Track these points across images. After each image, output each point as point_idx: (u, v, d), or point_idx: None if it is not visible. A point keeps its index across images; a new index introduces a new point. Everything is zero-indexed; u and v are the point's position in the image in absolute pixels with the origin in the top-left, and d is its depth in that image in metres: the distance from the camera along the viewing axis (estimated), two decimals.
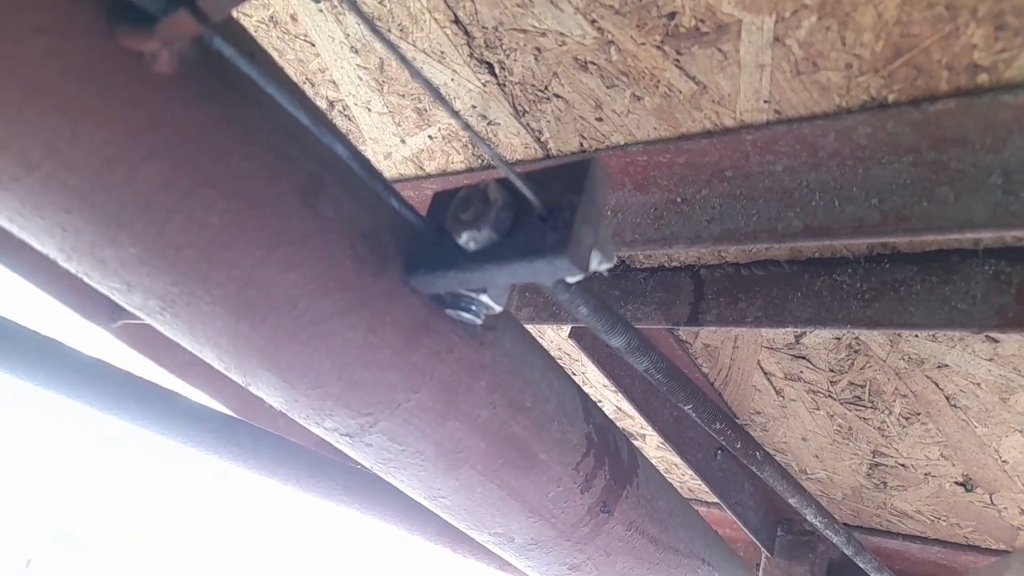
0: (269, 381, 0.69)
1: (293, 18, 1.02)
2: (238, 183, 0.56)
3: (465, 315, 0.70)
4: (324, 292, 0.64)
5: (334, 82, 1.11)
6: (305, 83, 1.14)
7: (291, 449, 1.46)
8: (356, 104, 1.13)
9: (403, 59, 0.49)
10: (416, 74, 0.49)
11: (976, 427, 1.33)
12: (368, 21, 0.49)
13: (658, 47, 0.81)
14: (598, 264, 0.62)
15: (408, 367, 0.71)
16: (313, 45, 1.05)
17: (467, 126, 0.54)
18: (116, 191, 0.52)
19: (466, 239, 0.62)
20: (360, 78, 1.07)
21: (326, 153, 0.63)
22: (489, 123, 1.03)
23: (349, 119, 1.18)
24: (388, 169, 1.21)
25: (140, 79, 0.50)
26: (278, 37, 1.05)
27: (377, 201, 0.67)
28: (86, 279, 0.59)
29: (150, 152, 0.51)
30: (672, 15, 0.77)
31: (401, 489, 0.89)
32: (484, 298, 0.69)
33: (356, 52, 1.02)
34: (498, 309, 0.71)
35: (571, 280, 0.68)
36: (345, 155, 0.60)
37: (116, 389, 1.28)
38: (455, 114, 0.53)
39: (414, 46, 0.96)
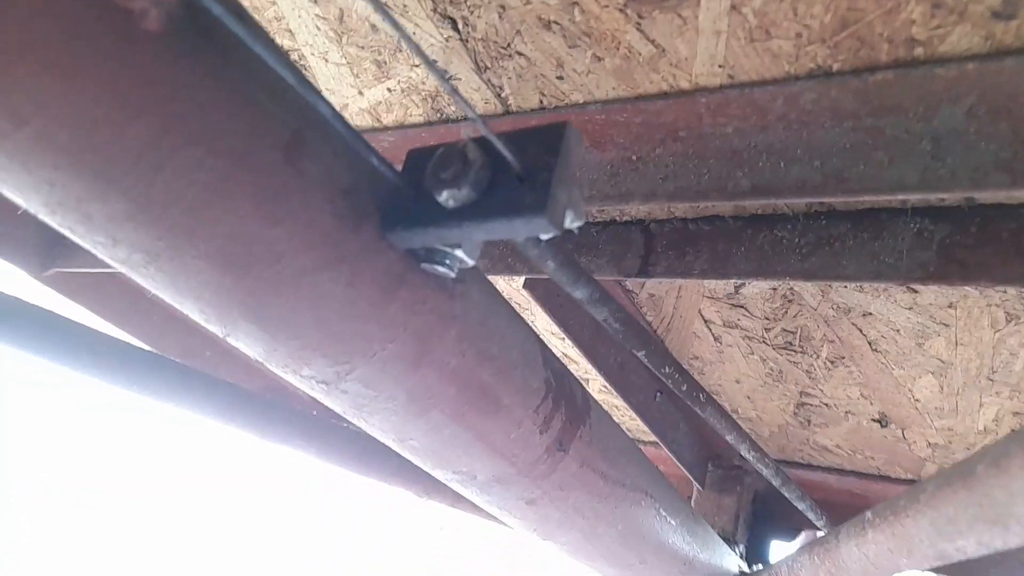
0: (250, 332, 0.71)
1: None
2: (224, 141, 0.57)
3: (440, 269, 0.73)
4: (306, 247, 0.66)
5: (290, 31, 1.10)
6: (259, 23, 1.12)
7: (247, 396, 1.48)
8: (313, 54, 1.12)
9: (395, 23, 0.51)
10: (407, 39, 0.51)
11: (894, 369, 1.45)
12: None
13: (621, 10, 0.84)
14: (571, 222, 0.66)
15: (384, 318, 0.74)
16: None
17: (454, 90, 0.56)
18: (105, 148, 0.52)
19: (446, 197, 0.65)
20: (318, 28, 1.06)
21: (308, 111, 0.64)
22: (451, 78, 1.04)
23: (305, 69, 1.17)
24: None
25: (129, 37, 0.50)
26: None
27: (357, 158, 0.69)
28: (68, 233, 0.60)
29: (139, 110, 0.52)
30: None
31: (371, 433, 0.93)
32: (459, 253, 0.73)
33: (315, 2, 1.01)
34: (471, 263, 0.75)
35: (545, 237, 0.72)
36: (328, 113, 0.61)
37: (67, 339, 1.26)
38: (443, 77, 0.55)
39: None
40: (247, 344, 0.75)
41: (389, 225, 0.72)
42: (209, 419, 1.44)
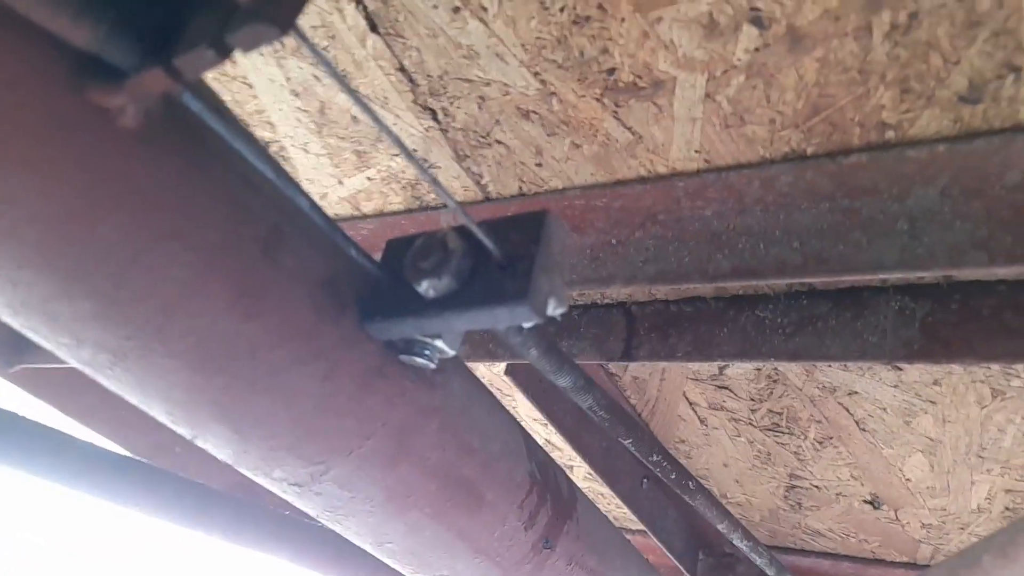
0: (220, 434, 0.68)
1: (232, 60, 1.01)
2: (201, 235, 0.55)
3: (419, 360, 0.71)
4: (283, 341, 0.64)
5: (271, 123, 1.10)
6: (235, 116, 1.13)
7: (216, 498, 1.41)
8: (293, 145, 1.13)
9: (375, 117, 0.50)
10: (388, 132, 0.51)
11: (883, 448, 1.42)
12: (330, 67, 0.50)
13: (597, 99, 0.85)
14: (553, 310, 0.65)
15: (363, 413, 0.71)
16: (251, 87, 1.04)
17: (435, 181, 0.56)
18: (75, 245, 0.50)
19: (426, 287, 0.63)
20: (299, 120, 1.07)
21: (286, 204, 0.63)
22: (430, 166, 1.05)
23: (285, 159, 1.17)
24: (324, 209, 1.20)
25: (105, 134, 0.49)
26: (214, 78, 1.04)
27: (335, 250, 0.68)
28: (32, 334, 0.57)
29: (112, 206, 0.50)
30: (612, 71, 0.81)
31: (346, 535, 0.88)
32: (439, 343, 0.71)
33: (296, 95, 1.02)
34: (452, 353, 0.73)
35: (527, 326, 0.70)
36: (306, 206, 0.60)
37: (29, 443, 1.21)
38: (422, 168, 0.55)
39: (357, 91, 0.97)
40: (216, 447, 0.71)
41: (368, 316, 0.70)
42: (176, 524, 1.37)
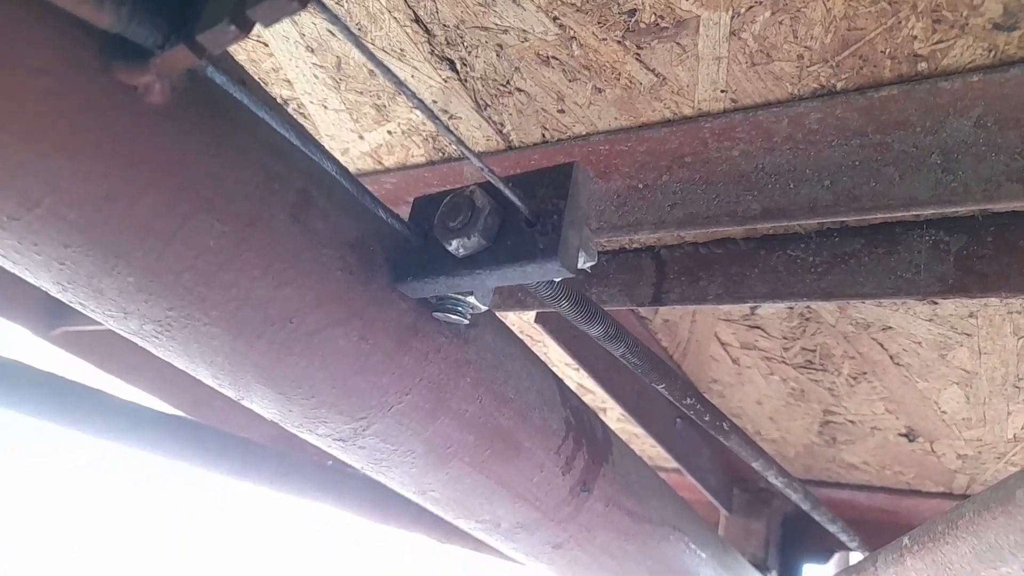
0: (264, 395, 0.70)
1: (257, 37, 1.01)
2: (233, 205, 0.56)
3: (453, 317, 0.72)
4: (317, 304, 0.65)
5: (288, 81, 1.10)
6: (258, 83, 1.12)
7: (259, 451, 1.46)
8: (312, 102, 1.12)
9: (390, 73, 0.50)
10: (405, 90, 0.51)
11: (917, 382, 1.42)
12: (347, 29, 0.50)
13: (619, 42, 0.84)
14: (583, 263, 0.65)
15: (399, 370, 0.73)
16: (266, 45, 1.04)
17: (459, 141, 0.56)
18: (115, 223, 0.52)
19: (456, 246, 0.64)
20: (316, 76, 1.06)
21: (312, 168, 0.63)
22: (451, 117, 1.04)
23: (304, 117, 1.17)
24: (346, 165, 1.21)
25: (135, 112, 0.50)
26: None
27: (363, 211, 0.68)
28: (79, 307, 0.59)
29: (148, 182, 0.51)
30: (632, 12, 0.80)
31: (390, 486, 0.91)
32: (471, 299, 0.72)
33: (312, 51, 1.02)
34: (484, 308, 0.74)
35: (557, 280, 0.71)
36: (333, 169, 0.61)
37: (78, 404, 1.25)
38: (447, 128, 0.54)
39: (373, 44, 0.96)
40: (262, 406, 0.73)
41: (399, 276, 0.71)
42: (222, 475, 1.43)
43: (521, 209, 0.62)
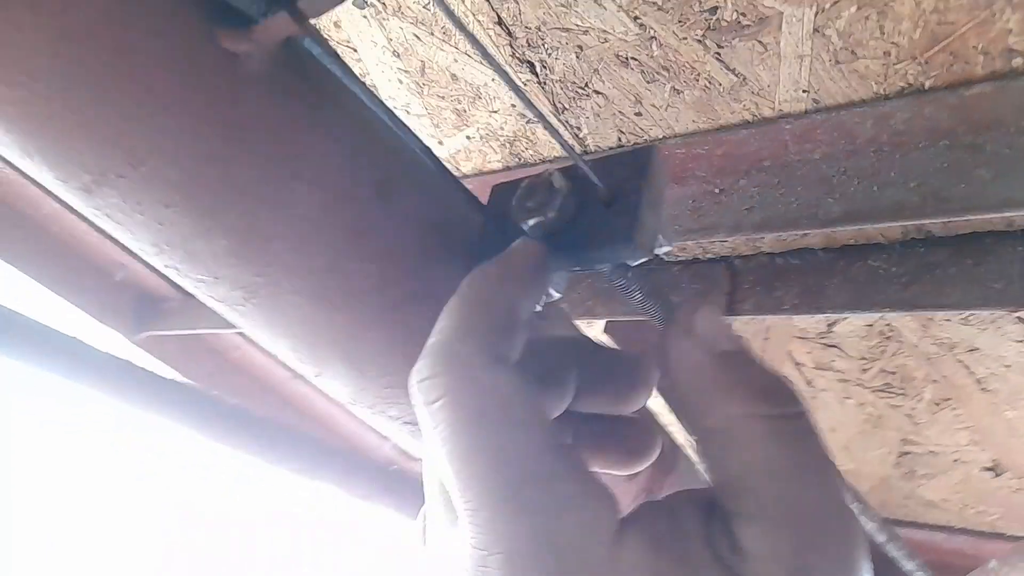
0: (340, 371, 0.72)
1: (336, 25, 1.05)
2: (323, 176, 0.59)
3: None
4: (396, 281, 0.67)
5: (375, 85, 1.14)
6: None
7: (331, 451, 1.49)
8: (396, 107, 1.16)
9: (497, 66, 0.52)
10: (518, 91, 0.52)
11: (1006, 410, 1.35)
12: (456, 20, 0.52)
13: (699, 41, 0.84)
14: (659, 247, 0.65)
15: None
16: (355, 51, 1.08)
17: (549, 125, 0.57)
18: (212, 185, 0.54)
19: (532, 225, 0.65)
20: (400, 81, 1.10)
21: (399, 149, 0.66)
22: (528, 121, 1.06)
23: None
24: None
25: (236, 78, 0.52)
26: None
27: (445, 195, 0.70)
28: (173, 272, 0.62)
29: (244, 147, 0.54)
30: (714, 9, 0.80)
31: None
32: None
33: (398, 56, 1.05)
34: (557, 296, 0.74)
35: (633, 263, 0.70)
36: (418, 150, 0.63)
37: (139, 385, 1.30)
38: (541, 117, 0.56)
39: (456, 48, 0.99)
40: (338, 384, 0.75)
41: (475, 259, 0.72)
42: (297, 476, 1.46)
43: (599, 189, 0.62)
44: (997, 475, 1.56)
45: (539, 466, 0.36)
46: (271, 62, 0.55)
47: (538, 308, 0.75)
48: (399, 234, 0.65)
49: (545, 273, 0.58)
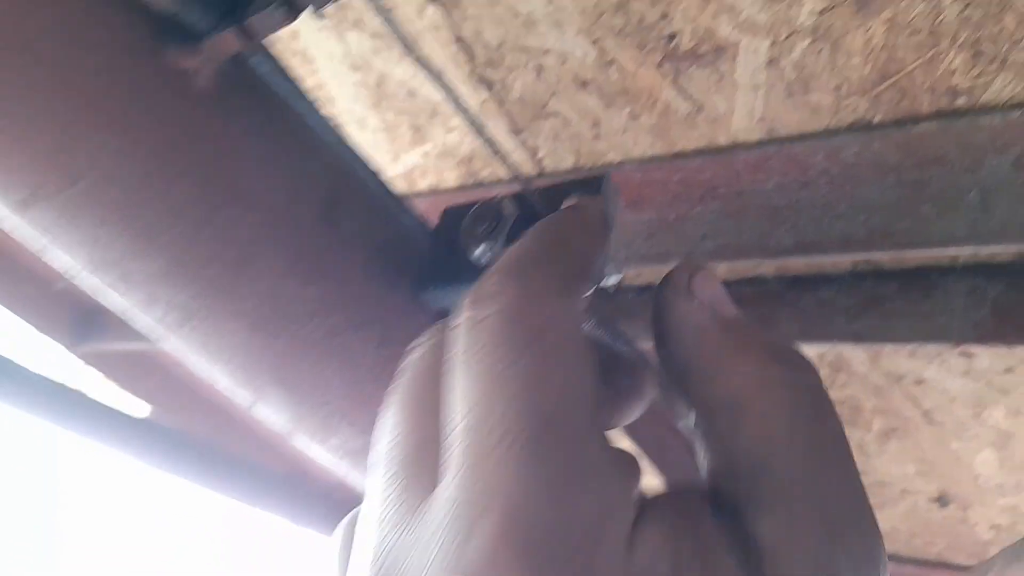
0: (278, 397, 0.70)
1: (294, 35, 1.03)
2: (265, 197, 0.57)
3: None
4: (339, 306, 0.65)
5: (331, 98, 1.12)
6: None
7: (273, 478, 1.45)
8: (351, 121, 1.14)
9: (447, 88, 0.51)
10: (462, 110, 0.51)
11: (951, 442, 1.37)
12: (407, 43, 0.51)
13: (657, 67, 0.84)
14: (607, 279, 0.64)
15: None
16: (312, 61, 1.06)
17: (497, 153, 0.56)
18: (151, 204, 0.52)
19: (480, 252, 0.63)
20: (357, 94, 1.08)
21: (344, 169, 0.64)
22: (485, 141, 1.05)
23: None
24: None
25: (182, 95, 0.51)
26: (276, 54, 1.06)
27: (391, 217, 0.69)
28: (109, 290, 0.59)
29: (186, 166, 0.52)
30: (672, 36, 0.80)
31: None
32: None
33: (356, 69, 1.04)
34: None
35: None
36: (363, 172, 0.61)
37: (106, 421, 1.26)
38: (490, 144, 0.55)
39: (415, 64, 0.98)
40: (275, 411, 0.73)
41: (422, 284, 0.70)
42: (234, 499, 1.42)
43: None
44: (943, 506, 1.59)
45: (579, 415, 0.29)
46: (218, 79, 0.53)
47: None
48: (342, 257, 0.64)
49: (609, 234, 0.50)
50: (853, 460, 0.31)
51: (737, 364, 0.32)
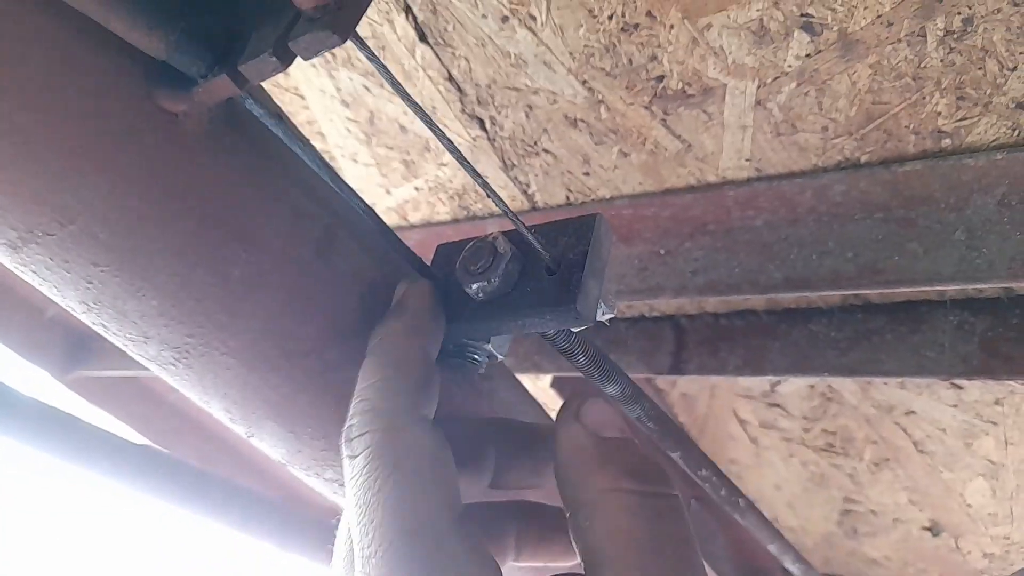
0: (274, 432, 0.70)
1: (285, 73, 1.05)
2: (260, 236, 0.57)
3: (469, 364, 0.72)
4: (334, 342, 0.65)
5: (322, 134, 1.13)
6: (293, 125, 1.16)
7: (267, 505, 1.44)
8: (343, 155, 1.15)
9: (435, 127, 0.52)
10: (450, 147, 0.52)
11: (942, 472, 1.38)
12: (387, 72, 0.52)
13: (646, 107, 0.86)
14: (602, 314, 0.65)
15: None
16: (303, 98, 1.08)
17: (485, 184, 0.57)
18: (145, 246, 0.53)
19: (475, 289, 0.64)
20: (349, 131, 1.10)
21: (338, 206, 0.65)
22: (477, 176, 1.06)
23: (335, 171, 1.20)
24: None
25: (173, 138, 0.51)
26: (268, 92, 1.07)
27: (386, 254, 0.69)
28: (101, 330, 0.59)
29: (180, 208, 0.52)
30: (661, 78, 0.82)
31: None
32: (488, 346, 0.71)
33: (347, 105, 1.05)
34: (500, 358, 0.73)
35: (576, 330, 0.70)
36: (359, 208, 0.62)
37: (88, 442, 1.25)
38: (484, 183, 0.56)
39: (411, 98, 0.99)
40: (271, 445, 0.73)
41: None
42: (227, 527, 1.40)
43: (542, 256, 0.62)
44: (935, 535, 1.59)
45: (437, 522, 0.39)
46: (211, 122, 0.54)
47: (481, 368, 0.74)
48: (338, 294, 0.64)
49: (440, 308, 0.61)
50: (694, 555, 0.38)
51: (598, 475, 0.41)
